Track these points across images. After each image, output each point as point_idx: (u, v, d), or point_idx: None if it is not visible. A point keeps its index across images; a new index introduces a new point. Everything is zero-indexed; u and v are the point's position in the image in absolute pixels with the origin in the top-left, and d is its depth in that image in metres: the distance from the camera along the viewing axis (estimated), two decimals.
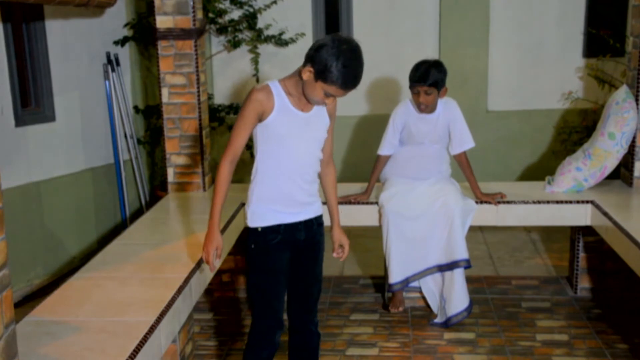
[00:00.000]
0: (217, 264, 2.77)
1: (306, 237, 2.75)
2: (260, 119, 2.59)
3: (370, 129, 6.06)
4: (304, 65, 2.53)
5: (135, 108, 5.88)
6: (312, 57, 2.48)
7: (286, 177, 2.66)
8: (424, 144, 3.92)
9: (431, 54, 5.74)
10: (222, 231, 3.39)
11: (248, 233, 2.73)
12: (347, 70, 2.46)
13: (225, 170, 2.61)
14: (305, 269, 2.81)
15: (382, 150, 4.01)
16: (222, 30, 5.85)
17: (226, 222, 3.58)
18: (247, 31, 5.90)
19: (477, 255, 5.15)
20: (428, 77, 3.71)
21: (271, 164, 2.65)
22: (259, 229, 2.69)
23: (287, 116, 2.60)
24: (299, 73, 2.56)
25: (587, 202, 3.96)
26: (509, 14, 6.06)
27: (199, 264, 3.06)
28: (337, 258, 2.91)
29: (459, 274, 3.86)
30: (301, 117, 2.63)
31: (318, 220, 2.81)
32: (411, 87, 3.79)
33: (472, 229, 4.17)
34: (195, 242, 3.31)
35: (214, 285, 4.33)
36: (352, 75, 2.50)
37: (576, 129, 6.01)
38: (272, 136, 2.61)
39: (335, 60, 2.44)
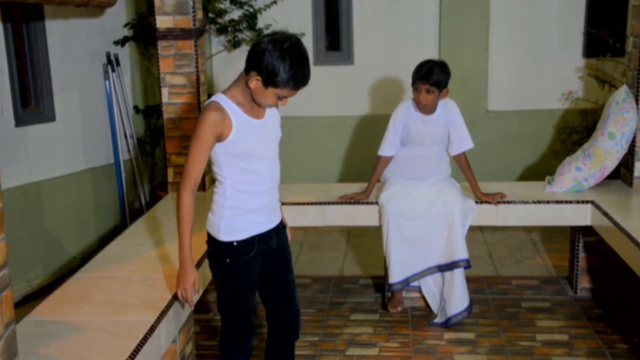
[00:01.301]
0: (196, 299, 2.71)
1: (277, 243, 2.72)
2: (219, 139, 2.48)
3: (371, 129, 6.06)
4: (247, 72, 2.43)
5: (135, 108, 5.88)
6: (256, 65, 2.37)
7: (259, 186, 2.59)
8: (424, 144, 3.92)
9: (431, 54, 5.74)
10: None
11: (217, 245, 2.63)
12: (296, 71, 2.37)
13: (188, 201, 2.52)
14: (280, 277, 2.77)
15: (383, 151, 4.00)
16: (222, 30, 5.85)
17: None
18: (247, 31, 5.90)
19: (477, 255, 5.15)
20: (431, 76, 3.71)
21: (241, 177, 2.55)
22: (235, 243, 2.60)
23: (246, 129, 2.50)
24: (245, 82, 2.46)
25: (587, 202, 3.96)
26: (509, 14, 6.06)
27: (199, 264, 3.05)
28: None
29: (459, 274, 3.86)
30: (258, 125, 2.54)
31: (282, 223, 2.78)
32: (413, 84, 3.80)
33: (472, 229, 4.17)
34: (195, 242, 3.30)
35: (214, 286, 4.33)
36: (302, 74, 2.40)
37: (576, 129, 6.01)
38: (236, 151, 2.51)
39: (282, 63, 2.34)
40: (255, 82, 2.41)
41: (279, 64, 2.34)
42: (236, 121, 2.48)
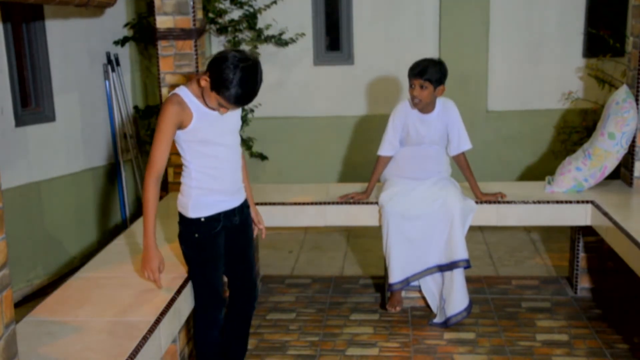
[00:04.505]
0: (162, 278, 2.85)
1: (240, 220, 2.96)
2: (180, 127, 2.71)
3: (370, 129, 6.06)
4: (205, 72, 2.65)
5: (135, 108, 5.88)
6: (212, 69, 2.59)
7: (220, 170, 2.82)
8: (424, 144, 3.92)
9: (431, 54, 5.73)
10: None
11: (186, 222, 2.85)
12: (241, 90, 2.57)
13: (153, 190, 2.71)
14: (242, 251, 3.02)
15: (383, 151, 4.00)
16: (222, 30, 5.85)
17: None
18: (247, 31, 5.90)
19: (477, 255, 5.15)
20: (425, 72, 3.71)
21: (205, 161, 2.79)
22: (202, 219, 2.83)
23: (205, 119, 2.74)
24: (197, 80, 2.70)
25: (587, 202, 3.96)
26: (509, 14, 6.06)
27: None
28: (259, 234, 3.18)
29: (458, 274, 3.86)
30: (216, 115, 2.76)
31: (246, 203, 3.03)
32: (409, 80, 3.80)
33: (472, 229, 4.17)
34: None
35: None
36: (245, 94, 2.60)
37: (576, 129, 6.01)
38: (197, 138, 2.75)
39: (232, 77, 2.54)
40: (204, 82, 2.65)
41: (229, 76, 2.54)
42: (196, 111, 2.72)
